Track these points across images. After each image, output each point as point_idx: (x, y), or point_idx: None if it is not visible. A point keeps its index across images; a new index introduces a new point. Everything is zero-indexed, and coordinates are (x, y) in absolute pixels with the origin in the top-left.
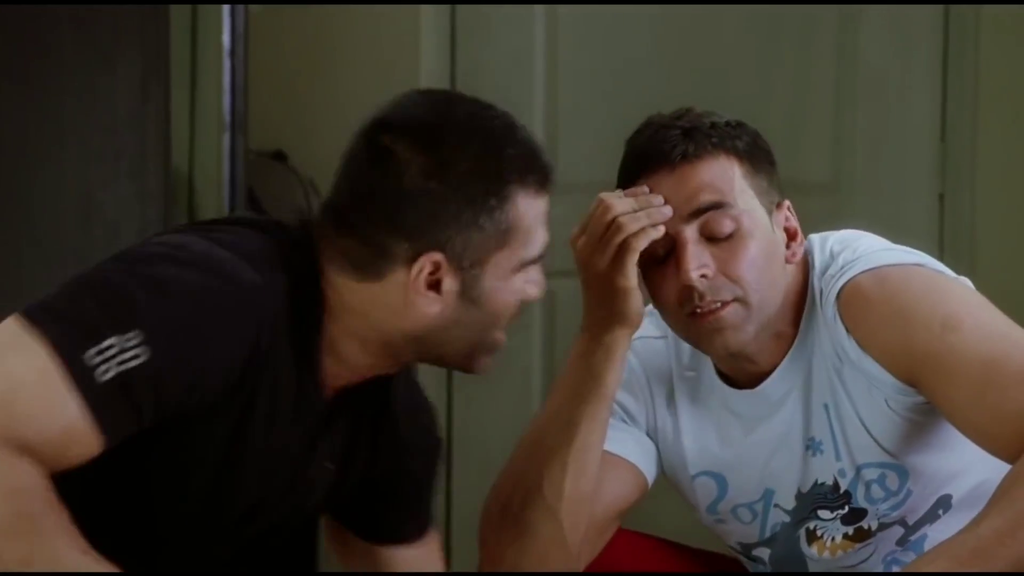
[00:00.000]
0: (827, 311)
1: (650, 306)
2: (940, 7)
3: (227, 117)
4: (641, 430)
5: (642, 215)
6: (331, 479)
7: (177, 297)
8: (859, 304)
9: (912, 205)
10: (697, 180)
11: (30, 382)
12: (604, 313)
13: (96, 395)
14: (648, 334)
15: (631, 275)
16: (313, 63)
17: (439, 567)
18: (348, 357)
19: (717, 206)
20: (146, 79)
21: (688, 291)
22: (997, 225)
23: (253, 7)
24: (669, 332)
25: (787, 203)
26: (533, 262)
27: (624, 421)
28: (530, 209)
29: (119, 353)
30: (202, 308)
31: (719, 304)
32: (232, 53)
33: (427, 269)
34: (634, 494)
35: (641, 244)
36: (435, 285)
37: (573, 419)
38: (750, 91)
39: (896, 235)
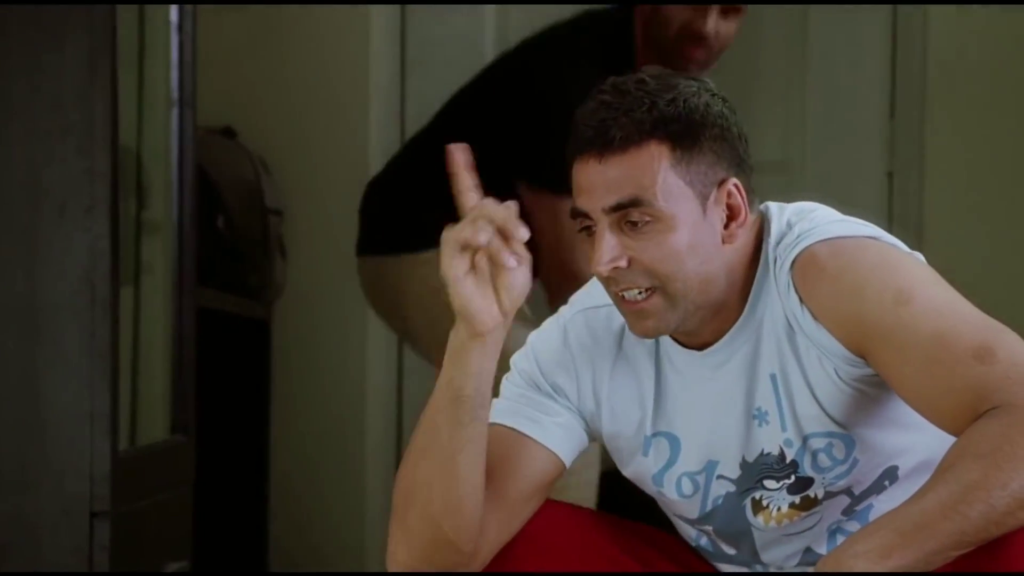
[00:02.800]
0: (781, 280)
1: None
2: None
3: (175, 93)
4: (570, 405)
5: (486, 233)
6: None
7: None
8: (813, 274)
9: (861, 182)
10: (619, 172)
11: None
12: None
13: None
14: (592, 304)
15: (447, 267)
16: (263, 39)
17: None
18: None
19: (635, 203)
20: (93, 55)
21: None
22: (945, 202)
23: None
24: None
25: (732, 181)
26: None
27: (551, 397)
28: None
29: None
30: None
31: (642, 293)
32: (180, 29)
33: None
34: (547, 475)
35: (450, 246)
36: None
37: (437, 424)
38: None
39: (845, 212)
